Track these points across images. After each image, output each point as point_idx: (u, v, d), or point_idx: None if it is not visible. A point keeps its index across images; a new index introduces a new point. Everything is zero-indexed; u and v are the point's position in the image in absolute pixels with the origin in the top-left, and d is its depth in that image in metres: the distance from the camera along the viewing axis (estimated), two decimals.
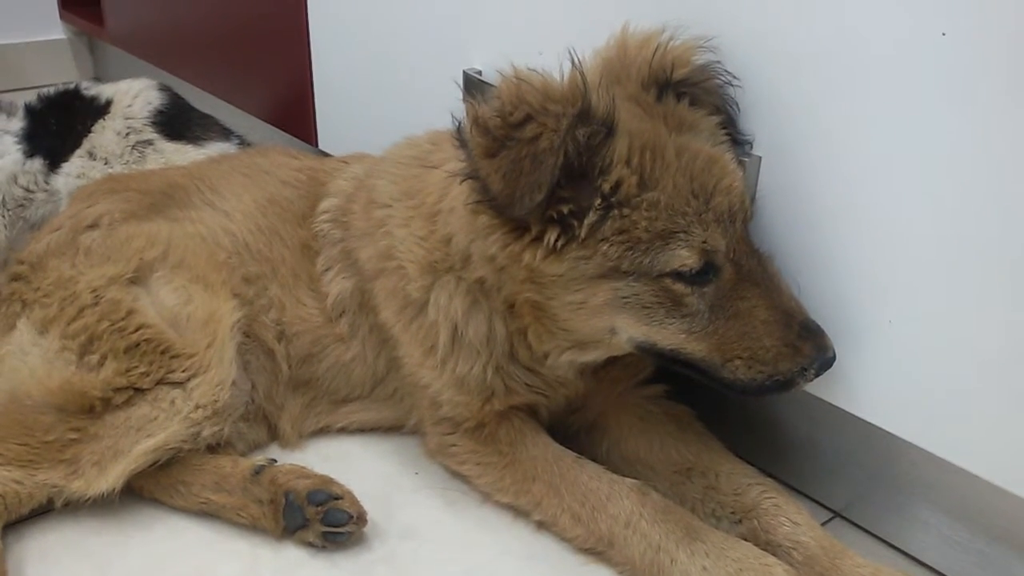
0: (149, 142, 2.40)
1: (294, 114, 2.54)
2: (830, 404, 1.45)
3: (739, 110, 1.41)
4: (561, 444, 1.55)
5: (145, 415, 1.51)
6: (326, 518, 1.47)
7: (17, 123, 2.38)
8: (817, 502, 1.60)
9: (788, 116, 1.37)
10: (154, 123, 2.43)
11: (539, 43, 1.67)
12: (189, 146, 2.42)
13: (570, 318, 1.37)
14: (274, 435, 1.73)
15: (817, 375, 1.32)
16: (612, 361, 1.53)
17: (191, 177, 1.87)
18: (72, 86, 2.50)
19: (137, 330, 1.55)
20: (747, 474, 1.49)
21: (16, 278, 1.68)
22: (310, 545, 1.49)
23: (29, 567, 1.46)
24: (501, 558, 1.48)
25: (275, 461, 1.57)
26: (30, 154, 2.34)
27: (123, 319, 1.55)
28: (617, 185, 1.25)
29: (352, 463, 1.68)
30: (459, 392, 1.53)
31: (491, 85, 1.72)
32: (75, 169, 2.35)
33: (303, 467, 1.54)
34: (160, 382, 1.53)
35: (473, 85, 1.81)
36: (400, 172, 1.62)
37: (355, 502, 1.49)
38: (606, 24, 1.44)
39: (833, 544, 1.38)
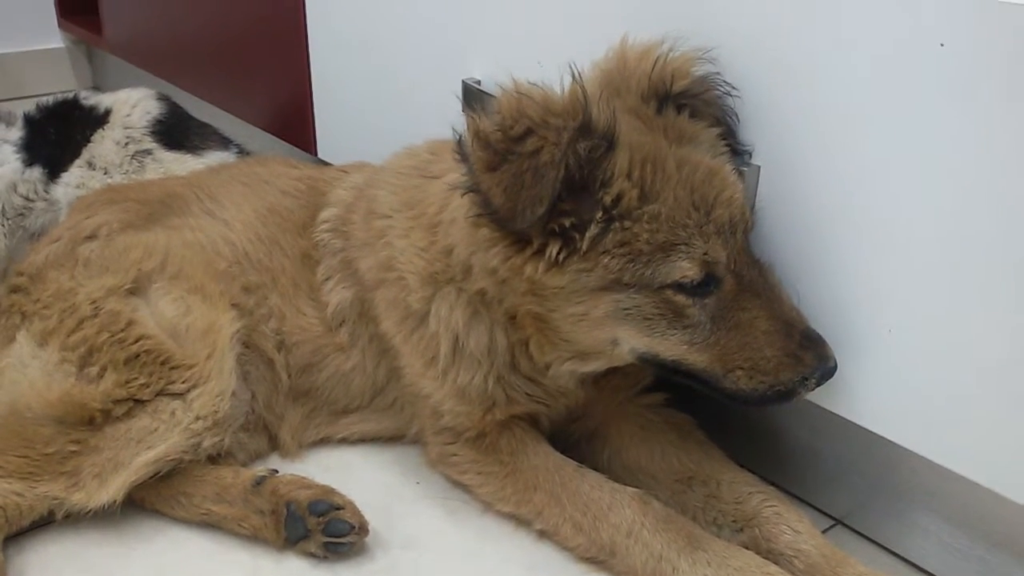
0: (148, 152, 2.40)
1: (293, 123, 2.54)
2: (830, 412, 1.45)
3: (738, 121, 1.42)
4: (562, 453, 1.55)
5: (145, 427, 1.51)
6: (328, 529, 1.47)
7: (16, 132, 2.38)
8: (818, 510, 1.60)
9: (787, 126, 1.37)
10: (153, 133, 2.43)
11: (538, 53, 1.67)
12: (188, 155, 2.42)
13: (572, 330, 1.37)
14: (274, 445, 1.73)
15: (818, 384, 1.32)
16: (613, 370, 1.53)
17: (190, 187, 1.87)
18: (71, 96, 2.50)
19: (137, 341, 1.55)
20: (748, 482, 1.49)
21: (15, 290, 1.68)
22: (312, 556, 1.49)
23: None
24: (503, 568, 1.48)
25: (276, 471, 1.57)
26: (29, 163, 2.34)
27: (122, 330, 1.55)
28: (618, 198, 1.25)
29: (353, 473, 1.67)
30: (460, 402, 1.53)
31: (490, 95, 1.72)
32: (74, 179, 2.35)
33: (304, 478, 1.54)
34: (160, 393, 1.53)
35: (472, 95, 1.81)
36: (400, 182, 1.62)
37: (357, 512, 1.49)
38: (605, 35, 1.45)
39: (834, 552, 1.38)
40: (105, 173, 2.36)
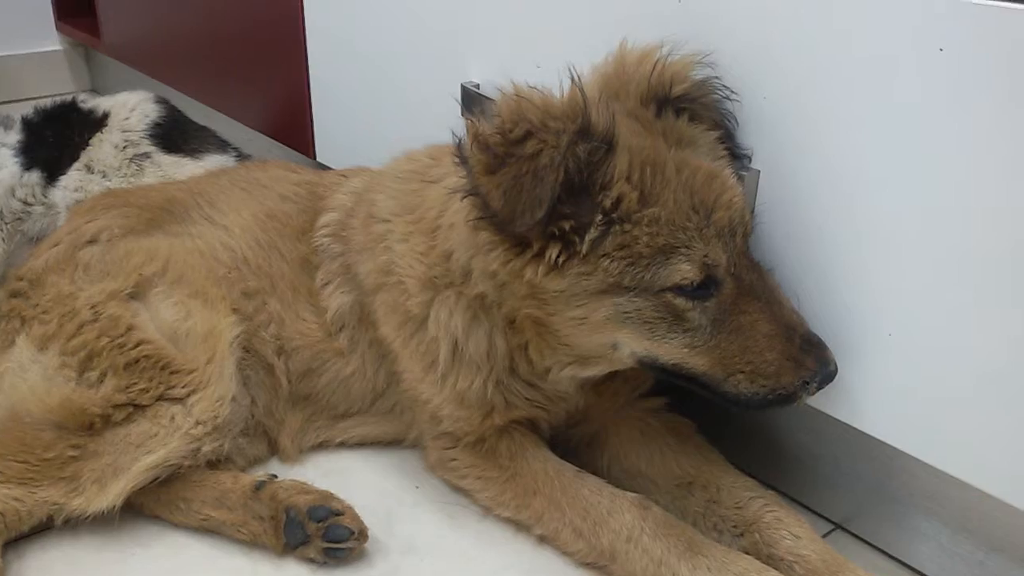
0: (147, 155, 2.40)
1: (291, 126, 2.54)
2: (830, 416, 1.45)
3: (737, 124, 1.42)
4: (562, 458, 1.55)
5: (145, 432, 1.51)
6: (327, 534, 1.46)
7: (14, 136, 2.38)
8: (818, 514, 1.60)
9: (786, 130, 1.37)
10: (151, 136, 2.43)
11: (537, 57, 1.67)
12: (186, 159, 2.42)
13: (572, 333, 1.37)
14: (274, 450, 1.73)
15: (819, 388, 1.32)
16: (612, 375, 1.53)
17: (190, 192, 1.87)
18: (69, 99, 2.50)
19: (137, 346, 1.54)
20: (748, 487, 1.49)
21: (15, 294, 1.68)
22: (311, 561, 1.49)
23: None
24: (503, 573, 1.48)
25: (276, 476, 1.57)
26: (27, 167, 2.34)
27: (122, 335, 1.55)
28: (618, 201, 1.25)
29: (352, 478, 1.67)
30: (459, 407, 1.53)
31: (489, 99, 1.72)
32: (73, 182, 2.34)
33: (304, 483, 1.54)
34: (160, 398, 1.52)
35: (471, 99, 1.81)
36: (400, 187, 1.62)
37: (356, 518, 1.49)
38: (604, 38, 1.45)
39: (834, 557, 1.38)
40: (103, 177, 2.36)
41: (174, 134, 2.47)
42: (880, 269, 1.31)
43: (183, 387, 1.53)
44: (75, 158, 2.38)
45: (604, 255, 1.27)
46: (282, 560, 1.50)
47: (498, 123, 1.24)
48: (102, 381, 1.52)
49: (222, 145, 2.51)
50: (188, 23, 2.92)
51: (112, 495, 1.47)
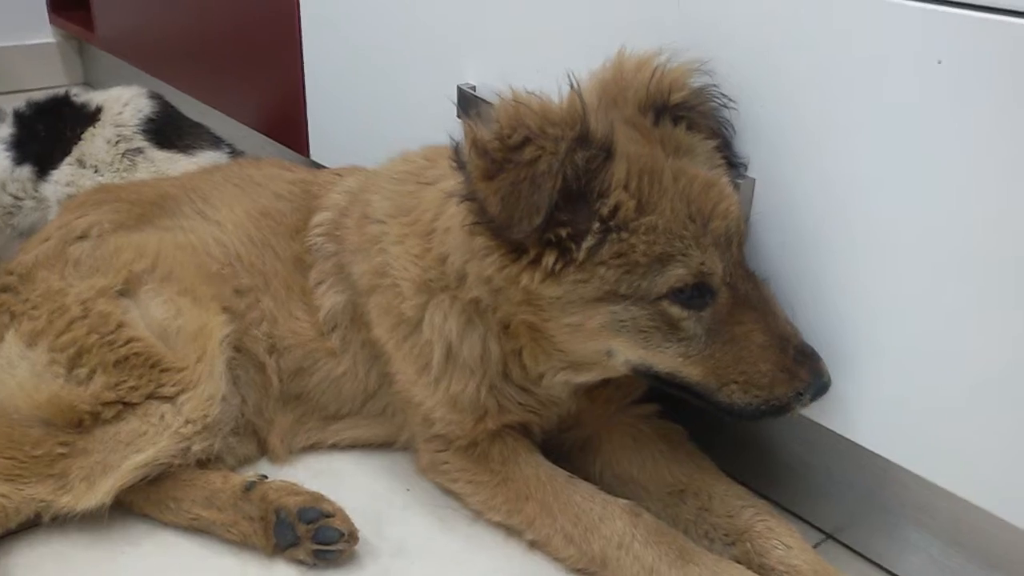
0: (139, 150, 2.39)
1: (286, 124, 2.53)
2: (822, 426, 1.45)
3: (735, 133, 1.41)
4: (554, 463, 1.55)
5: (134, 430, 1.50)
6: (317, 536, 1.46)
7: (6, 129, 2.37)
8: (809, 524, 1.60)
9: (783, 139, 1.37)
10: (144, 131, 2.42)
11: (535, 60, 1.67)
12: (179, 155, 2.41)
13: (567, 340, 1.37)
14: (264, 450, 1.72)
15: (813, 400, 1.32)
16: (605, 381, 1.52)
17: (183, 188, 1.86)
18: (62, 93, 2.49)
19: (126, 343, 1.54)
20: (740, 496, 1.49)
21: (4, 289, 1.66)
22: (301, 563, 1.48)
23: None
24: None
25: (266, 477, 1.56)
26: (19, 161, 2.33)
27: (112, 332, 1.54)
28: (615, 209, 1.25)
29: (343, 479, 1.67)
30: (452, 410, 1.53)
31: (485, 101, 1.72)
32: (64, 177, 2.33)
33: (294, 484, 1.53)
34: (150, 396, 1.52)
35: (467, 100, 1.80)
36: (395, 188, 1.61)
37: (346, 520, 1.48)
38: (602, 43, 1.44)
39: (825, 568, 1.38)
40: (96, 171, 2.34)
41: (167, 130, 2.46)
42: (875, 280, 1.31)
43: (173, 385, 1.53)
44: (67, 152, 2.37)
45: (600, 263, 1.27)
46: (271, 561, 1.49)
47: (496, 129, 1.23)
48: (91, 378, 1.51)
49: (216, 141, 2.50)
50: (183, 18, 2.91)
51: (101, 493, 1.46)
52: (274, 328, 1.70)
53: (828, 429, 1.44)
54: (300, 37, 2.35)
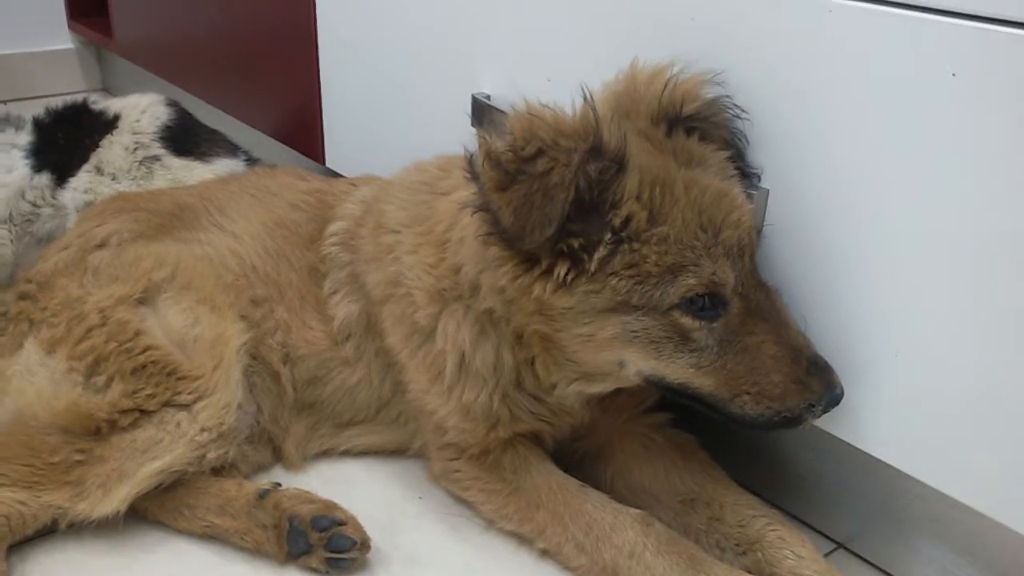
0: (156, 158, 2.41)
1: (301, 131, 2.55)
2: (834, 436, 1.45)
3: (748, 143, 1.42)
4: (565, 472, 1.55)
5: (151, 437, 1.51)
6: (330, 544, 1.47)
7: (25, 137, 2.37)
8: (820, 533, 1.60)
9: (796, 150, 1.37)
10: (162, 139, 2.43)
11: (548, 70, 1.68)
12: (197, 162, 2.42)
13: (579, 350, 1.37)
14: (278, 457, 1.73)
15: (825, 412, 1.32)
16: (617, 390, 1.52)
17: (200, 197, 1.87)
18: (80, 100, 2.50)
19: (144, 351, 1.55)
20: (752, 505, 1.49)
21: (23, 297, 1.69)
22: (313, 571, 1.49)
23: None
24: None
25: (280, 485, 1.57)
26: (38, 169, 2.34)
27: (130, 340, 1.56)
28: (627, 220, 1.26)
29: (356, 487, 1.68)
30: (465, 419, 1.53)
31: (499, 110, 1.73)
32: (82, 184, 2.35)
33: (307, 492, 1.54)
34: (166, 404, 1.53)
35: (481, 109, 1.81)
36: (409, 198, 1.62)
37: (359, 528, 1.49)
38: (615, 53, 1.45)
39: None
40: (113, 179, 2.36)
41: (184, 137, 2.47)
42: (887, 289, 1.31)
43: (189, 393, 1.54)
44: (85, 160, 2.38)
45: (612, 273, 1.27)
46: (284, 569, 1.50)
47: (510, 140, 1.24)
48: (109, 386, 1.52)
49: (232, 149, 2.51)
50: (201, 26, 2.93)
51: (117, 500, 1.47)
52: (288, 337, 1.71)
53: (839, 439, 1.44)
54: (316, 46, 2.37)
